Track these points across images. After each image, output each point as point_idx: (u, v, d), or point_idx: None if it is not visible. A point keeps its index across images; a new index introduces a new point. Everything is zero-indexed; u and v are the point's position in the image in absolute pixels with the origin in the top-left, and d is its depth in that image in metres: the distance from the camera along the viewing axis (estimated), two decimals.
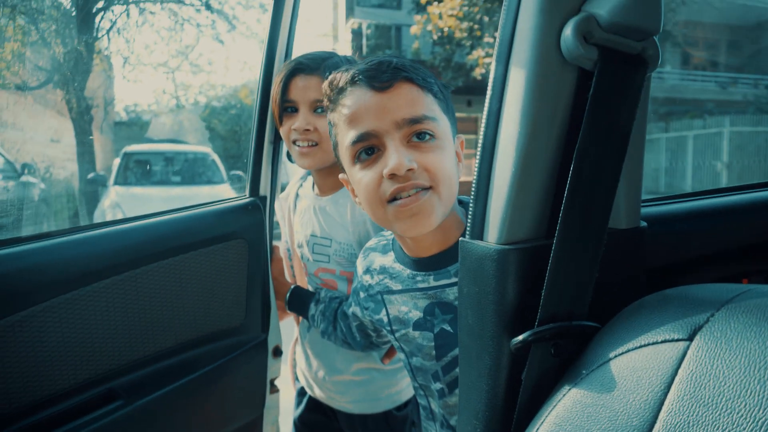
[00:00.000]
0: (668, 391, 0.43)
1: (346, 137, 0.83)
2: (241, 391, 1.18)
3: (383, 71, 0.80)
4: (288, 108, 1.20)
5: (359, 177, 0.82)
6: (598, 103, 0.54)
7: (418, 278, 0.90)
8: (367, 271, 1.01)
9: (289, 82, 1.18)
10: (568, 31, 0.54)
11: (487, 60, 12.02)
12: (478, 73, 12.22)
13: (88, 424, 0.90)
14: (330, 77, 0.86)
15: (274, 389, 1.28)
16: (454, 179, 0.83)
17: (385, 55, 0.84)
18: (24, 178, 5.06)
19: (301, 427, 1.41)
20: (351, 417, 1.33)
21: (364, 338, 1.13)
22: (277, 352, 1.28)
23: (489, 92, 0.59)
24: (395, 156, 0.77)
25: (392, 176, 0.78)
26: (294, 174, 1.45)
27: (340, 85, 0.84)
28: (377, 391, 1.31)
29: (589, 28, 0.53)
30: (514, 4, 0.57)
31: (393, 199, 0.79)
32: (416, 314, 0.91)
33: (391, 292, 0.95)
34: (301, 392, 1.43)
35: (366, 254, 1.03)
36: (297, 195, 1.38)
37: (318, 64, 1.18)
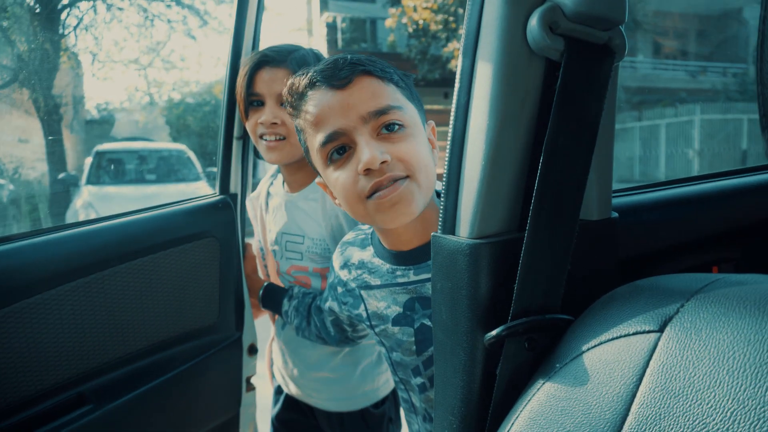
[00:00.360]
0: (640, 383, 0.42)
1: (315, 140, 0.81)
2: (217, 390, 1.17)
3: (340, 68, 0.79)
4: (254, 102, 1.17)
5: (335, 177, 0.81)
6: (565, 93, 0.54)
7: (398, 273, 0.89)
8: (345, 265, 0.99)
9: (255, 75, 1.15)
10: (533, 21, 0.53)
11: None
12: (454, 64, 12.24)
13: (57, 430, 0.87)
14: (289, 83, 0.85)
15: (250, 387, 1.27)
16: (431, 166, 0.82)
17: (340, 55, 0.83)
18: None
19: (279, 425, 1.39)
20: (328, 414, 1.32)
21: (339, 333, 1.12)
22: (253, 350, 1.27)
23: (457, 85, 0.58)
24: (367, 151, 0.76)
25: (367, 171, 0.77)
26: (269, 170, 1.44)
27: (300, 89, 0.83)
28: (354, 388, 1.30)
29: (555, 18, 0.53)
30: None
31: (372, 193, 0.78)
32: (395, 309, 0.90)
33: (370, 287, 0.93)
34: (278, 390, 1.42)
35: (343, 249, 1.02)
36: (268, 193, 1.36)
37: (284, 57, 1.15)
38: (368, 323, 0.97)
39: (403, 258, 0.88)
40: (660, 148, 11.77)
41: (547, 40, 0.52)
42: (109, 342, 0.98)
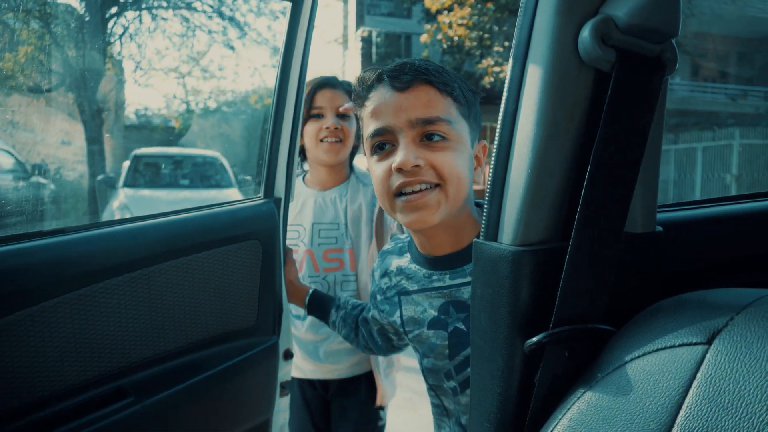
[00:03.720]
0: (686, 395, 0.42)
1: (367, 130, 0.89)
2: (251, 393, 1.18)
3: (405, 72, 0.85)
4: (315, 114, 1.46)
5: (374, 168, 0.89)
6: (615, 105, 0.54)
7: (434, 277, 0.93)
8: (385, 274, 1.04)
9: (316, 93, 1.46)
10: (585, 32, 0.54)
11: (496, 69, 12.01)
12: (487, 81, 12.22)
13: (97, 421, 0.90)
14: (359, 76, 0.92)
15: (284, 392, 1.28)
16: (464, 180, 0.86)
17: (412, 59, 0.89)
18: (34, 179, 5.10)
19: (298, 409, 1.57)
20: (350, 380, 1.52)
21: (386, 342, 1.16)
22: (288, 355, 1.28)
23: (505, 93, 0.59)
24: (403, 152, 0.83)
25: (399, 170, 0.83)
26: None
27: (368, 83, 0.90)
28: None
29: (607, 30, 0.53)
30: (531, 6, 0.57)
31: (400, 193, 0.85)
32: (431, 313, 0.93)
33: (408, 292, 0.97)
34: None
35: (383, 257, 1.06)
36: None
37: (339, 81, 1.50)
38: (402, 329, 1.00)
39: (439, 263, 0.92)
40: (696, 171, 11.47)
41: (598, 51, 0.53)
42: (151, 338, 1.01)
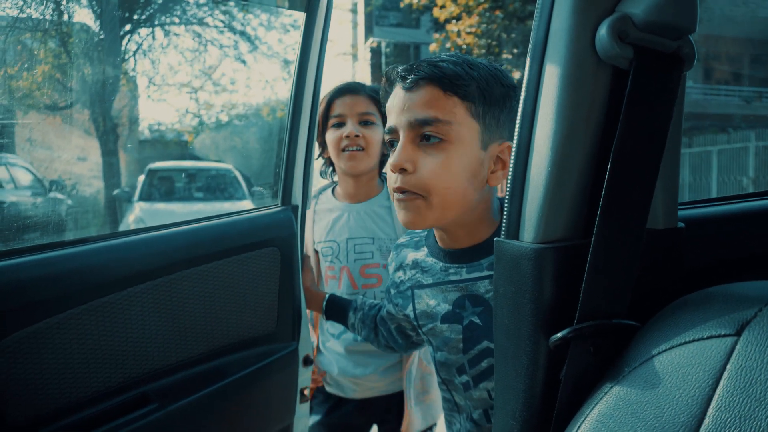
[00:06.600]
0: (716, 387, 0.42)
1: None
2: (272, 399, 1.19)
3: (412, 71, 0.85)
4: (336, 123, 1.41)
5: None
6: (634, 101, 0.54)
7: (451, 270, 0.93)
8: (400, 267, 1.04)
9: (335, 100, 1.40)
10: (603, 30, 0.54)
11: None
12: None
13: (123, 427, 0.91)
14: (385, 73, 0.93)
15: (304, 399, 1.28)
16: (456, 187, 0.83)
17: (440, 56, 0.87)
18: (52, 194, 5.19)
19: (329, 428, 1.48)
20: (391, 397, 1.44)
21: (405, 339, 1.16)
22: (308, 361, 1.29)
23: (523, 93, 0.60)
24: (396, 153, 0.85)
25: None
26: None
27: (391, 79, 0.91)
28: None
29: (625, 28, 0.54)
30: (547, 6, 0.57)
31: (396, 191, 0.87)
32: (445, 307, 0.93)
33: (422, 286, 0.97)
34: (326, 399, 1.49)
35: (398, 251, 1.06)
36: (315, 210, 1.51)
37: (361, 86, 1.43)
38: (416, 323, 1.00)
39: (457, 256, 0.92)
40: (711, 175, 11.35)
41: (616, 49, 0.53)
42: (173, 345, 1.01)
